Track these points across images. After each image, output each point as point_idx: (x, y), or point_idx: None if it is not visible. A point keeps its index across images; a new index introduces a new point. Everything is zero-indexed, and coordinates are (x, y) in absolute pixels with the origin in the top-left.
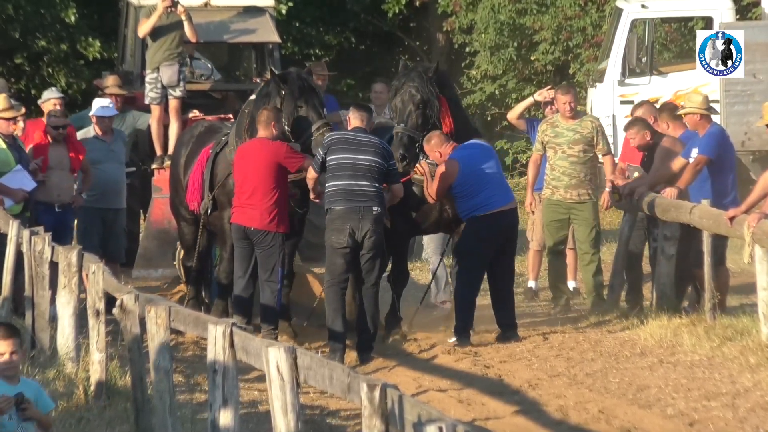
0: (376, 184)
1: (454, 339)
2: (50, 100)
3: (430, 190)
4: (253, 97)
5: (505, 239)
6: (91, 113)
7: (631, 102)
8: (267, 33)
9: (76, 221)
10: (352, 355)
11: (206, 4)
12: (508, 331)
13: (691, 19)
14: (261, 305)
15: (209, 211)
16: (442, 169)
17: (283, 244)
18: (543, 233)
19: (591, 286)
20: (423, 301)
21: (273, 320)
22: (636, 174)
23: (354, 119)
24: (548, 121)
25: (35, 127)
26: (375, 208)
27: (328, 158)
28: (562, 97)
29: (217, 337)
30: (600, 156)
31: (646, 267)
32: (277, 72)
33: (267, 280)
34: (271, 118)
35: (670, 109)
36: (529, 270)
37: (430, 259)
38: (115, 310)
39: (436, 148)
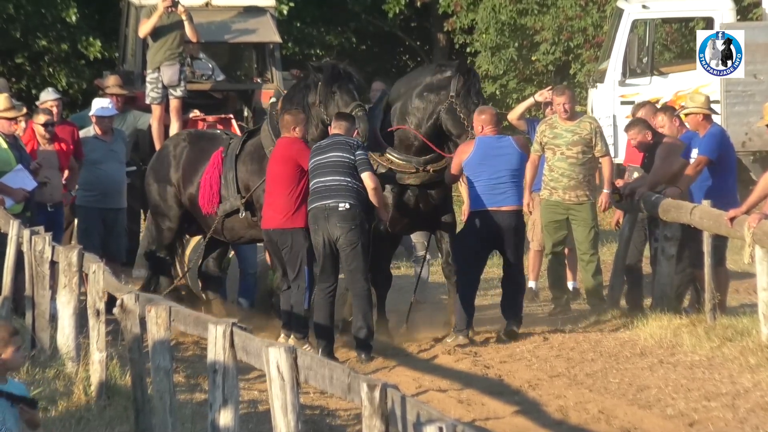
0: (345, 178)
1: (452, 338)
2: (47, 102)
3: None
4: (273, 99)
5: (502, 239)
6: (90, 113)
7: (632, 102)
8: (268, 33)
9: (76, 221)
10: (351, 355)
11: (207, 4)
12: (509, 322)
13: (691, 19)
14: (284, 310)
15: (242, 214)
16: (460, 146)
17: (306, 240)
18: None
19: (591, 286)
20: (414, 297)
21: (302, 328)
22: (636, 174)
23: (334, 128)
24: (547, 122)
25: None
26: (342, 205)
27: (309, 165)
28: (557, 98)
29: (217, 337)
30: (598, 157)
31: (646, 267)
32: (279, 72)
33: (293, 281)
34: (291, 122)
35: (673, 109)
36: (529, 270)
37: (420, 259)
38: (115, 310)
39: (482, 123)
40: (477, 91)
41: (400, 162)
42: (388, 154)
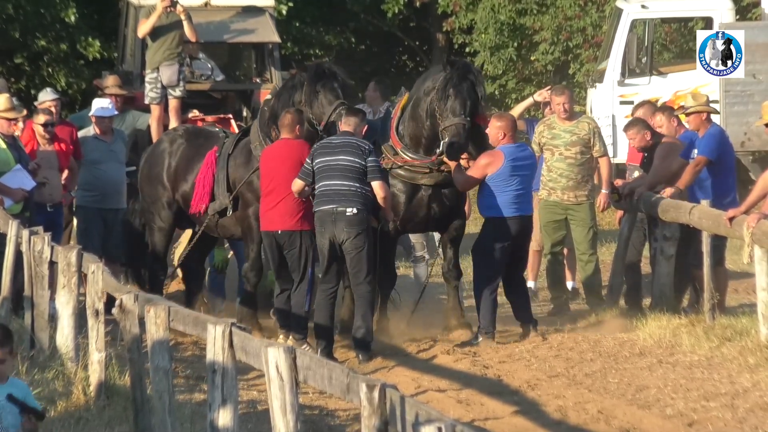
0: (354, 183)
1: (480, 339)
2: (45, 102)
3: (462, 177)
4: (268, 96)
5: (521, 242)
6: (90, 113)
7: (631, 102)
8: (267, 33)
9: (76, 221)
10: (351, 355)
11: (206, 4)
12: (526, 326)
13: (691, 19)
14: (282, 311)
15: (229, 212)
16: (484, 157)
17: (312, 243)
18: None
19: (589, 286)
20: (420, 299)
21: (302, 329)
22: (636, 173)
23: (343, 124)
24: (545, 123)
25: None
26: (349, 210)
27: (314, 164)
28: (556, 98)
29: (216, 338)
30: (597, 157)
31: (646, 267)
32: (278, 72)
33: (297, 282)
34: (295, 121)
35: (672, 109)
36: (528, 270)
37: (419, 259)
38: (114, 310)
39: (503, 130)
40: (456, 85)
41: (415, 161)
42: (402, 153)
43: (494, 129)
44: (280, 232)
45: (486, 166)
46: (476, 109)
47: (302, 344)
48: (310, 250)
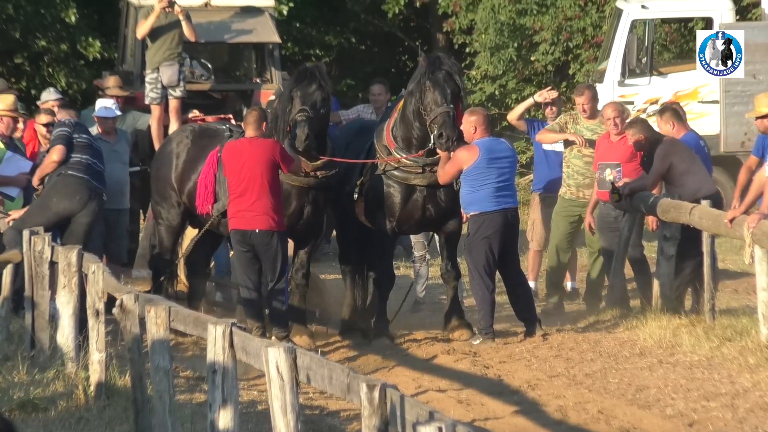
0: None
1: (479, 340)
2: (48, 102)
3: (442, 170)
4: (272, 98)
5: (507, 237)
6: (94, 114)
7: (631, 102)
8: (267, 33)
9: None
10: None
11: (206, 5)
12: (530, 325)
13: (691, 19)
14: (270, 309)
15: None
16: (461, 151)
17: (286, 243)
18: (542, 233)
19: (593, 282)
20: (404, 300)
21: (285, 324)
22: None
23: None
24: (572, 115)
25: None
26: None
27: None
28: (576, 98)
29: (216, 338)
30: None
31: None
32: (278, 72)
33: (273, 282)
34: (261, 118)
35: (674, 109)
36: (528, 270)
37: (417, 260)
38: (114, 310)
39: (475, 124)
40: (432, 77)
41: (408, 161)
42: (396, 153)
43: (467, 124)
44: (258, 231)
45: (459, 162)
46: (458, 98)
47: (285, 341)
48: (286, 250)
